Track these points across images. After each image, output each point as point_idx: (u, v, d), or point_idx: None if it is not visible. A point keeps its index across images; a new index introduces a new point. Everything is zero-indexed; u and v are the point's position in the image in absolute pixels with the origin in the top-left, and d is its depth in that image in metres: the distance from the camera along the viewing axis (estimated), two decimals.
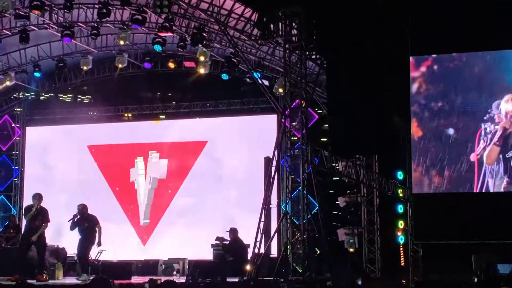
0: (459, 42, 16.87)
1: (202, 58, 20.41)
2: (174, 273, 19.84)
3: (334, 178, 22.12)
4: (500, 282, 14.06)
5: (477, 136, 16.81)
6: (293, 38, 18.26)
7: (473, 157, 16.80)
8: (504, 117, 16.68)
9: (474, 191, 16.77)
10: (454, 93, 17.23)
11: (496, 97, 16.79)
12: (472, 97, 17.03)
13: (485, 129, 16.69)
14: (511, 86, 16.78)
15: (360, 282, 15.12)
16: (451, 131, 17.14)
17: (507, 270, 15.62)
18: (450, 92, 17.24)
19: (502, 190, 16.63)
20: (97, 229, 16.64)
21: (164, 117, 24.81)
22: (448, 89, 17.26)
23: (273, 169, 18.75)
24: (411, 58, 16.90)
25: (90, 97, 34.13)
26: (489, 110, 16.73)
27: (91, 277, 15.50)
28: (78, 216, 16.57)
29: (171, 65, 22.28)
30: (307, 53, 18.39)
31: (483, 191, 16.65)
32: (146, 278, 15.44)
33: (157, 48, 20.19)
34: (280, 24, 18.17)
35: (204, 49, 20.07)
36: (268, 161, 20.66)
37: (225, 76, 21.46)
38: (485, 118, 16.76)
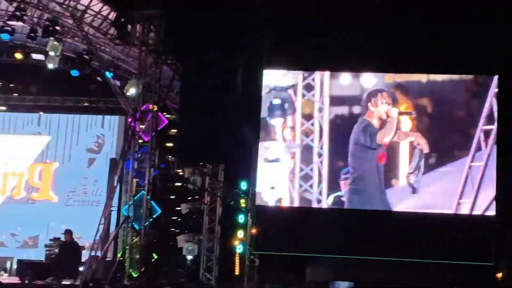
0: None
1: (52, 52, 19.50)
2: (2, 272, 19.17)
3: (176, 184, 22.13)
4: None
5: None
6: (150, 41, 18.12)
7: None
8: None
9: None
10: None
11: None
12: None
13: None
14: None
15: None
16: None
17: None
18: None
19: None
20: None
21: (5, 108, 23.77)
22: None
23: (118, 171, 18.55)
24: (265, 71, 17.14)
25: None
26: None
27: None
28: None
29: (18, 55, 21.16)
30: (162, 57, 18.31)
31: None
32: None
33: (5, 37, 19.12)
34: (137, 25, 17.98)
35: (55, 42, 19.27)
36: (114, 162, 20.40)
37: (75, 72, 20.56)
38: None
